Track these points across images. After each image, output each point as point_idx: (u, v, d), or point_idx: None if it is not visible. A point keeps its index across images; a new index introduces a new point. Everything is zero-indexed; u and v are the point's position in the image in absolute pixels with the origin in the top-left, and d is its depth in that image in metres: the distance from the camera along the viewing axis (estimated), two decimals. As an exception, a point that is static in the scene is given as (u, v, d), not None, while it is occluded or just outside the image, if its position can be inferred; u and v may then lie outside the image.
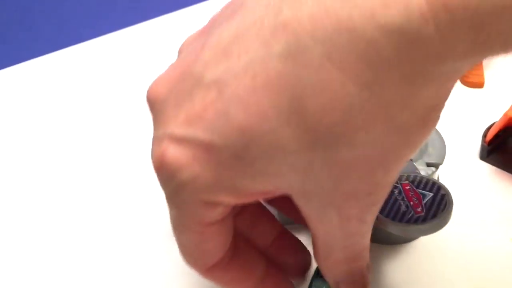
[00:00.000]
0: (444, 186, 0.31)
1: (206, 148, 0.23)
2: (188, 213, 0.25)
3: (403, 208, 0.30)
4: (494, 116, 0.44)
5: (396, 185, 0.32)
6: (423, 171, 0.34)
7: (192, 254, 0.27)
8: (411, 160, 0.35)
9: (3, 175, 0.45)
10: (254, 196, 0.25)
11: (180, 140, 0.24)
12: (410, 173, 0.32)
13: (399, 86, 0.21)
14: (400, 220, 0.30)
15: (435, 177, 0.37)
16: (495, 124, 0.42)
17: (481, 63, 0.48)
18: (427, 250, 0.37)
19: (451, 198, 0.30)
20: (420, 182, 0.32)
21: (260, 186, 0.24)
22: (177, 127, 0.24)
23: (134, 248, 0.39)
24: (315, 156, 0.22)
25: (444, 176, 0.41)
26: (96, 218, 0.41)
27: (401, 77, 0.20)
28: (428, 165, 0.35)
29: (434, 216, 0.29)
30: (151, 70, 0.53)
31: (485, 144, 0.42)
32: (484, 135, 0.42)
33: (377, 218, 0.30)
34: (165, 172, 0.24)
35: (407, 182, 0.32)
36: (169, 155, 0.24)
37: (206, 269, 0.28)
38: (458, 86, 0.48)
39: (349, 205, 0.24)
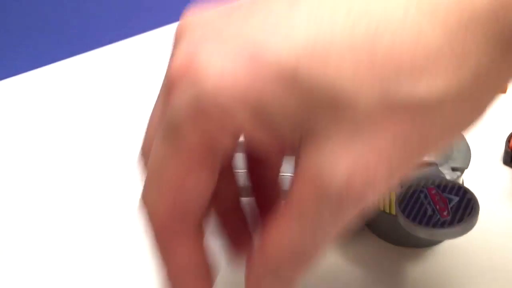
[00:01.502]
0: (470, 190, 0.31)
1: (252, 59, 0.20)
2: (199, 136, 0.21)
3: (429, 212, 0.30)
4: (518, 121, 0.44)
5: (422, 189, 0.32)
6: (448, 175, 0.34)
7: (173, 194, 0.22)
8: (436, 164, 0.35)
9: (6, 181, 0.46)
10: (284, 137, 0.21)
11: (218, 50, 0.20)
12: (436, 178, 0.33)
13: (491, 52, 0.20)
14: (427, 224, 0.30)
15: (460, 182, 0.38)
16: (519, 129, 0.42)
17: (504, 69, 0.48)
18: (451, 254, 0.37)
19: (477, 202, 0.30)
20: (446, 186, 0.32)
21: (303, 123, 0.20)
22: (219, 40, 0.21)
23: (133, 248, 0.39)
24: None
25: (468, 181, 0.41)
26: (98, 223, 0.42)
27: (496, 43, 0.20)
28: (453, 169, 0.35)
29: (461, 220, 0.30)
30: (150, 81, 0.54)
31: (509, 149, 0.42)
32: (508, 140, 0.42)
33: (404, 221, 0.31)
34: (189, 75, 0.20)
35: (432, 186, 0.32)
36: (202, 57, 0.20)
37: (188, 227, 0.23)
38: (481, 92, 0.48)
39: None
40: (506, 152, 0.42)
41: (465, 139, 0.37)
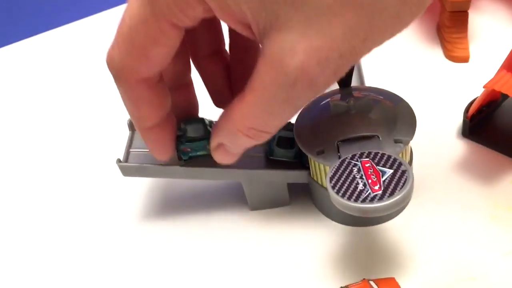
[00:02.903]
0: (405, 162, 0.29)
1: None
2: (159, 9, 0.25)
3: (360, 186, 0.28)
4: (479, 91, 0.42)
5: (356, 162, 0.30)
6: (390, 148, 0.32)
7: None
8: (378, 136, 0.33)
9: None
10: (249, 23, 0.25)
11: None
12: (372, 150, 0.30)
13: None
14: (356, 199, 0.28)
15: (408, 154, 0.36)
16: (477, 99, 0.39)
17: (466, 36, 0.46)
18: (405, 229, 0.35)
19: (411, 174, 0.28)
20: (381, 158, 0.30)
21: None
22: None
23: (128, 247, 0.38)
24: None
25: (424, 153, 0.39)
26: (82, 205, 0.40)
27: None
28: (396, 141, 0.33)
29: (392, 194, 0.27)
30: None
31: (467, 120, 0.39)
32: (466, 111, 0.40)
33: (333, 197, 0.29)
34: None
35: (367, 159, 0.30)
36: None
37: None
38: (443, 61, 0.46)
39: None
40: (464, 123, 0.40)
41: (411, 109, 0.35)
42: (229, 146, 0.30)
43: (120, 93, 0.29)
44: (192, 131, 0.34)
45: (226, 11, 0.25)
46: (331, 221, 0.36)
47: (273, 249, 0.36)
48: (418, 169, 0.37)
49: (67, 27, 0.57)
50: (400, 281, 0.31)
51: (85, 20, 0.57)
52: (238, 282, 0.34)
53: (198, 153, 0.35)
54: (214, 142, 0.31)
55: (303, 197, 0.38)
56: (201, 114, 0.35)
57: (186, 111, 0.35)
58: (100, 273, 0.36)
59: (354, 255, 0.35)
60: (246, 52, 0.33)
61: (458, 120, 0.41)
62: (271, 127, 0.28)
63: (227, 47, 0.34)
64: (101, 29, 0.55)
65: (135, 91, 0.28)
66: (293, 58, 0.24)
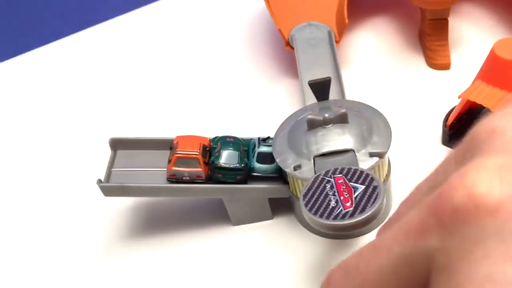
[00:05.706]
0: (377, 178, 0.29)
1: None
2: None
3: (332, 203, 0.29)
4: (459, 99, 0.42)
5: (329, 179, 0.30)
6: (366, 162, 0.33)
7: None
8: (353, 151, 0.33)
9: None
10: None
11: None
12: (345, 166, 0.31)
13: None
14: (328, 217, 0.28)
15: (385, 166, 0.36)
16: (455, 107, 0.40)
17: (447, 44, 0.46)
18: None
19: (382, 190, 0.29)
20: (353, 174, 0.30)
21: None
22: None
23: (132, 248, 0.38)
24: None
25: (404, 163, 0.39)
26: (89, 209, 0.41)
27: None
28: (372, 155, 0.33)
29: (363, 210, 0.28)
30: (144, 61, 0.52)
31: (446, 129, 0.40)
32: (445, 119, 0.40)
33: (305, 214, 0.29)
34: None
35: (340, 175, 0.30)
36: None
37: None
38: (424, 68, 0.46)
39: None
40: (444, 132, 0.40)
41: (386, 121, 0.35)
42: None
43: None
44: (226, 158, 0.35)
45: None
46: (313, 234, 0.37)
47: (256, 263, 0.36)
48: (398, 179, 0.37)
49: (50, 46, 0.57)
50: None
51: (64, 40, 0.58)
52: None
53: (228, 180, 0.35)
54: None
55: (285, 211, 0.38)
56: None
57: None
58: (86, 293, 0.36)
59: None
60: None
61: (438, 128, 0.41)
62: None
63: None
64: (81, 50, 0.56)
65: None
66: None
